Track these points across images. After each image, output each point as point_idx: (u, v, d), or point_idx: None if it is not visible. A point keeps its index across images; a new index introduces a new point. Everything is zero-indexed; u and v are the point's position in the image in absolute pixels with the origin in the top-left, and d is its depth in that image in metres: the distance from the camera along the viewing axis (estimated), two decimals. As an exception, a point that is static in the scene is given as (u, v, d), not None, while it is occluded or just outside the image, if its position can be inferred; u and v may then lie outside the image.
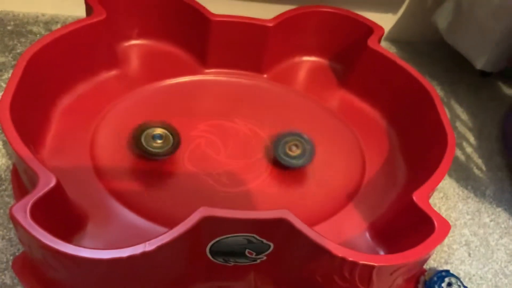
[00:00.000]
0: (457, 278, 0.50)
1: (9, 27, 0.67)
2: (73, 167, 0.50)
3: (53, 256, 0.36)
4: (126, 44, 0.63)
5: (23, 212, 0.35)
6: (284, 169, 0.55)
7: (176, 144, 0.52)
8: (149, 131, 0.52)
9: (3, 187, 0.50)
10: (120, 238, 0.45)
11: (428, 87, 0.56)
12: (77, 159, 0.50)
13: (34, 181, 0.39)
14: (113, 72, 0.60)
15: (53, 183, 0.38)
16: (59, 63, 0.53)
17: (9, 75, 0.45)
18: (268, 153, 0.56)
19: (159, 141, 0.51)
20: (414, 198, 0.44)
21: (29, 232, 0.35)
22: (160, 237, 0.36)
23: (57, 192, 0.39)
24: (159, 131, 0.52)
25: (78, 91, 0.56)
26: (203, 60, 0.63)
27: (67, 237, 0.36)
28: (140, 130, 0.52)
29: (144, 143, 0.51)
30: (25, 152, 0.40)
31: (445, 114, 0.53)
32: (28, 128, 0.47)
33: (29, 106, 0.48)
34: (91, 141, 0.52)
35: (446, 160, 0.47)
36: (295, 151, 0.54)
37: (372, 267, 0.39)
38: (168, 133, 0.52)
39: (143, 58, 0.63)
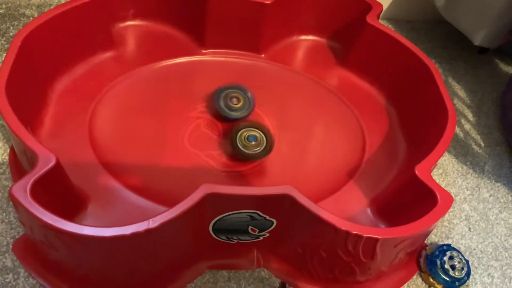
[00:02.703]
0: (458, 251, 0.50)
1: (1, 11, 0.65)
2: (72, 149, 0.49)
3: (55, 235, 0.36)
4: (122, 25, 0.62)
5: (23, 191, 0.35)
6: (283, 151, 0.55)
7: (270, 147, 0.51)
8: (244, 131, 0.52)
9: (1, 170, 0.49)
10: (122, 218, 0.45)
11: (428, 63, 0.56)
12: (76, 141, 0.50)
13: (33, 162, 0.38)
14: (109, 54, 0.59)
15: (52, 162, 0.37)
16: (53, 45, 0.52)
17: (3, 58, 0.44)
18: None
19: (253, 143, 0.51)
20: (416, 171, 0.44)
21: (30, 211, 0.34)
22: (163, 214, 0.36)
23: (57, 171, 0.38)
24: (253, 132, 0.52)
25: (74, 73, 0.55)
26: (200, 40, 0.62)
27: (68, 218, 0.36)
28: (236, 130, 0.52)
29: (239, 144, 0.51)
30: (23, 132, 0.39)
31: (445, 88, 0.53)
32: (25, 111, 0.46)
33: (25, 89, 0.47)
34: (89, 123, 0.52)
35: (448, 133, 0.47)
36: (236, 104, 0.53)
37: (376, 240, 0.39)
38: (262, 135, 0.52)
39: (139, 39, 0.62)
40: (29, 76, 0.48)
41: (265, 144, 0.51)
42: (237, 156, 0.52)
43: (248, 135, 0.51)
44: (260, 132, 0.52)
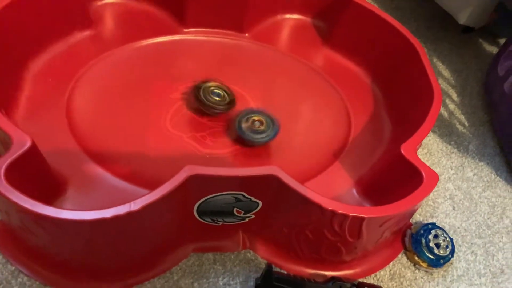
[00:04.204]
0: (443, 230, 0.50)
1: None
2: (50, 132, 0.47)
3: (33, 220, 0.34)
4: (100, 3, 0.59)
5: (-3, 175, 0.33)
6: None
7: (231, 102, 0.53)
8: (207, 86, 0.53)
9: (-25, 155, 0.47)
10: (103, 203, 0.43)
11: (413, 41, 0.55)
12: (53, 124, 0.48)
13: (7, 144, 0.37)
14: (86, 33, 0.57)
15: (28, 144, 0.36)
16: (27, 22, 0.49)
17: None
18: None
19: (216, 98, 0.52)
20: (402, 150, 0.44)
21: (4, 195, 0.33)
22: (145, 197, 0.35)
23: (32, 154, 0.37)
24: (216, 89, 0.53)
25: (50, 53, 0.53)
26: (182, 19, 0.61)
27: (47, 203, 0.34)
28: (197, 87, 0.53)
29: (203, 97, 0.52)
30: (-5, 113, 0.37)
31: (431, 67, 0.52)
32: (-2, 92, 0.44)
33: (-3, 69, 0.45)
34: (67, 105, 0.50)
35: (433, 112, 0.47)
36: (260, 127, 0.51)
37: (362, 219, 0.39)
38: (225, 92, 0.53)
39: (118, 18, 0.60)
40: (2, 56, 0.46)
41: (227, 99, 0.53)
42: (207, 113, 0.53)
43: (212, 91, 0.53)
44: (222, 89, 0.53)
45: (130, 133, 0.50)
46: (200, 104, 0.52)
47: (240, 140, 0.52)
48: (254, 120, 0.51)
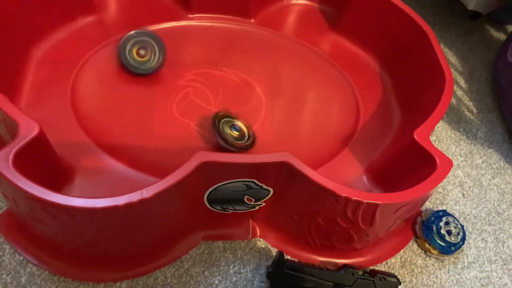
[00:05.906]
0: (454, 217, 0.50)
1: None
2: (55, 118, 0.46)
3: (42, 208, 0.34)
4: (102, -12, 0.58)
5: (5, 162, 0.33)
6: (276, 119, 0.53)
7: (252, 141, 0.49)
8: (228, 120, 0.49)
9: (-21, 143, 0.46)
10: (111, 190, 0.42)
11: (423, 26, 0.54)
12: (58, 111, 0.47)
13: (14, 131, 0.36)
14: (90, 19, 0.55)
15: (35, 131, 0.35)
16: (30, 9, 0.48)
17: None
18: (261, 102, 0.54)
19: (236, 133, 0.48)
20: (415, 136, 0.43)
21: (14, 183, 0.32)
22: (157, 184, 0.34)
23: (40, 141, 0.36)
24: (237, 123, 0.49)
25: (54, 38, 0.52)
26: (186, 4, 0.59)
27: (55, 191, 0.34)
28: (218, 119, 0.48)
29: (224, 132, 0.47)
30: (2, 99, 0.36)
31: (441, 51, 0.52)
32: (1, 79, 0.43)
33: (1, 55, 0.44)
34: (71, 92, 0.49)
35: (446, 97, 0.46)
36: (144, 56, 0.47)
37: (376, 205, 0.38)
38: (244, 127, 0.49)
39: (122, 3, 0.58)
40: (5, 42, 0.45)
41: (247, 136, 0.49)
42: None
43: (231, 125, 0.48)
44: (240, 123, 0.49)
45: (136, 120, 0.49)
46: (221, 139, 0.47)
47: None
48: (138, 49, 0.48)
